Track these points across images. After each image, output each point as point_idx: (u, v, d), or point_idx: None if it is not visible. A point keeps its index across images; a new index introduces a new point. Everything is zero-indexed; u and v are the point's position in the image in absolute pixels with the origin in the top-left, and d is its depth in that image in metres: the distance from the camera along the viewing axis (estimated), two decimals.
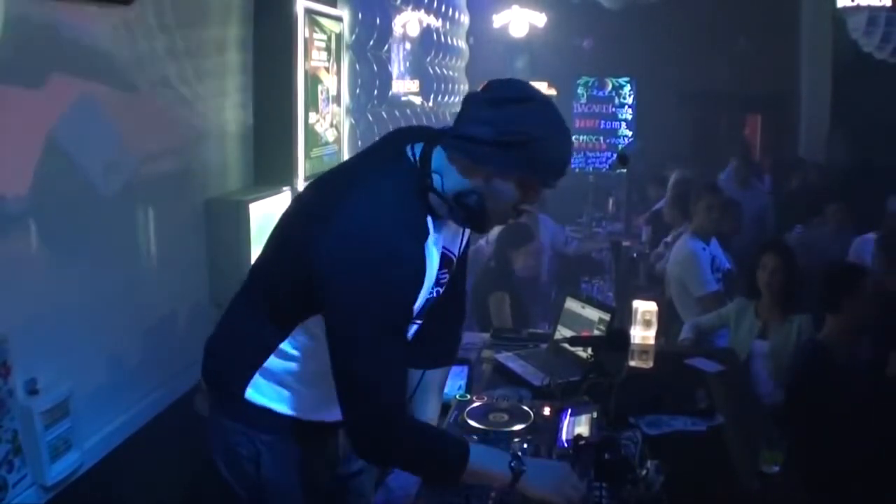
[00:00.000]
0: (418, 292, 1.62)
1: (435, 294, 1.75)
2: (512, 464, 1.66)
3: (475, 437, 2.04)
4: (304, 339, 1.70)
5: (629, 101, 9.40)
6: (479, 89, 1.64)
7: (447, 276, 1.79)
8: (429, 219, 1.64)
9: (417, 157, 1.65)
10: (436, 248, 1.69)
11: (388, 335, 1.56)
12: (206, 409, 1.87)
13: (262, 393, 1.75)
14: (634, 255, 5.82)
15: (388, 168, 1.65)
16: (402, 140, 1.70)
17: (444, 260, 1.75)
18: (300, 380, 1.75)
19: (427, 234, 1.63)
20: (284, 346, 1.72)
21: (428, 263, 1.63)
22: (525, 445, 1.95)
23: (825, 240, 5.28)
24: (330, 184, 1.75)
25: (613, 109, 9.46)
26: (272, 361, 1.74)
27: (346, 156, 4.05)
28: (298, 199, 1.86)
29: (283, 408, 1.77)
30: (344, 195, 1.60)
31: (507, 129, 1.54)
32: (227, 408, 1.79)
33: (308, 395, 1.76)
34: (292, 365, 1.74)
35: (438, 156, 1.64)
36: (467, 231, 1.84)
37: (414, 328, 1.76)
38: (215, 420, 1.82)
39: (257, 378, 1.75)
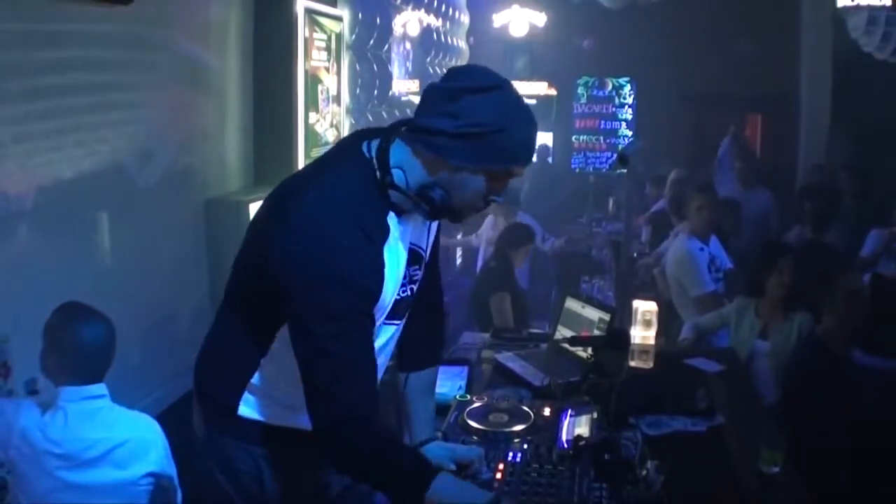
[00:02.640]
0: (376, 288, 1.57)
1: (409, 292, 1.71)
2: None
3: (475, 437, 2.04)
4: (282, 347, 1.65)
5: (629, 101, 9.38)
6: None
7: (419, 272, 1.75)
8: (391, 215, 1.60)
9: (374, 154, 1.60)
10: (401, 245, 1.65)
11: (345, 334, 1.51)
12: (200, 427, 1.82)
13: (254, 407, 1.73)
14: (634, 254, 5.82)
15: (340, 166, 1.62)
16: (358, 138, 1.66)
17: (413, 255, 1.71)
18: (286, 390, 1.70)
19: (387, 231, 1.59)
20: (266, 357, 1.70)
21: (389, 260, 1.59)
22: (525, 446, 1.95)
23: None
24: (287, 187, 1.71)
25: (613, 109, 9.44)
26: (258, 375, 1.71)
27: None
28: (259, 210, 1.76)
29: (275, 420, 1.74)
30: (297, 195, 1.57)
31: (468, 121, 1.50)
32: (222, 424, 1.76)
33: (295, 404, 1.68)
34: (275, 376, 1.71)
35: (400, 151, 1.59)
36: (434, 223, 1.78)
37: (393, 329, 1.73)
38: (213, 437, 1.78)
39: (247, 393, 1.72)
